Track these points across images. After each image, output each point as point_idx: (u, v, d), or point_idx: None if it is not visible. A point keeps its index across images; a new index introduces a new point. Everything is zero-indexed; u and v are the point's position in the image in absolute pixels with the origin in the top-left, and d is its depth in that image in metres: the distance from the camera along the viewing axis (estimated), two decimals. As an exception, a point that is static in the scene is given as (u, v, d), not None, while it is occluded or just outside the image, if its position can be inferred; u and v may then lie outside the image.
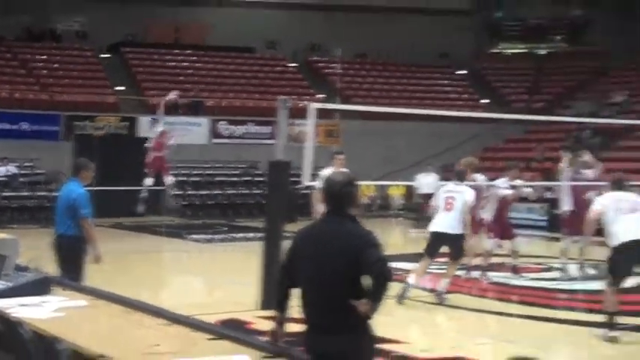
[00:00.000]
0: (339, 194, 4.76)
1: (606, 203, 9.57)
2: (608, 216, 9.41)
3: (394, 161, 25.99)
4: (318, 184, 10.61)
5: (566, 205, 14.42)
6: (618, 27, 35.05)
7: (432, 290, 12.07)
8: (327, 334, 4.58)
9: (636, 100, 30.47)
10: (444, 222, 11.60)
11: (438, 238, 11.71)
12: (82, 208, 9.04)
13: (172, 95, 18.68)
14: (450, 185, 12.20)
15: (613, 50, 35.65)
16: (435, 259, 12.15)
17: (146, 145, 18.30)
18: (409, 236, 19.89)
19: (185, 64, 33.33)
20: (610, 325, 9.13)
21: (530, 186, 21.46)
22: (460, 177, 12.35)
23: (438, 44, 35.78)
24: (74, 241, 9.06)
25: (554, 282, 13.76)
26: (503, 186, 14.19)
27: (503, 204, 14.01)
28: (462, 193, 11.70)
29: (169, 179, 18.70)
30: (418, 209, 20.86)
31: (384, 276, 4.54)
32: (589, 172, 14.78)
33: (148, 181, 18.11)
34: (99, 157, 23.56)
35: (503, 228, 13.91)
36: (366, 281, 4.52)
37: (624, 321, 9.35)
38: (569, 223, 14.10)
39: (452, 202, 11.59)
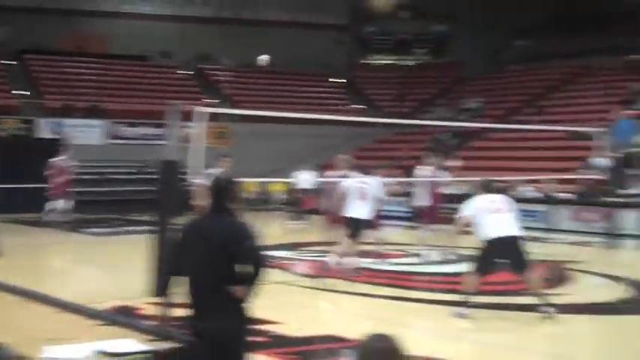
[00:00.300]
0: (221, 192, 4.86)
1: (477, 206, 9.86)
2: (478, 216, 9.75)
3: (278, 160, 26.11)
4: (201, 181, 10.66)
5: (423, 200, 14.87)
6: (474, 41, 36.15)
7: (310, 276, 12.28)
8: (209, 318, 4.63)
9: (488, 106, 31.44)
10: (360, 210, 12.13)
11: (355, 222, 12.15)
12: None
13: None
14: (360, 178, 12.69)
15: (469, 61, 36.75)
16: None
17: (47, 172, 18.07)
18: (287, 228, 19.96)
19: (85, 71, 32.58)
20: (465, 304, 9.48)
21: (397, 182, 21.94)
22: (365, 171, 13.00)
23: (317, 55, 36.13)
24: None
25: (415, 266, 14.12)
26: (371, 183, 14.46)
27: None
28: (372, 185, 12.37)
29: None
30: (296, 203, 21.02)
31: (258, 264, 4.66)
32: (444, 172, 15.28)
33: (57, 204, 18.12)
34: (0, 156, 23.18)
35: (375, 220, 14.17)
36: (243, 269, 4.59)
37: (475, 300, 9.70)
38: (427, 215, 14.57)
39: (365, 192, 12.20)
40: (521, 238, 9.61)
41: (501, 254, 9.62)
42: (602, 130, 17.62)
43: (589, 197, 19.77)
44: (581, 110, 27.05)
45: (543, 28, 36.15)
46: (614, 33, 32.23)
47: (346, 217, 12.39)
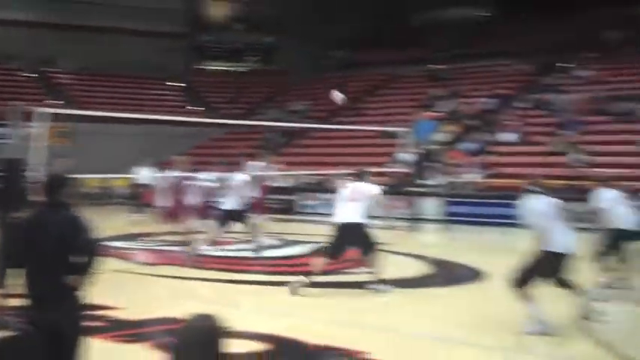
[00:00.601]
0: (56, 187, 4.72)
1: (341, 192, 10.08)
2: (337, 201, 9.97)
3: (121, 157, 25.37)
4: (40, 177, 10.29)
5: (254, 192, 14.98)
6: (299, 51, 36.75)
7: (150, 264, 12.09)
8: (45, 308, 4.49)
9: (313, 109, 32.01)
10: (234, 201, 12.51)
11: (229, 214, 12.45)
12: None
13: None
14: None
15: (294, 69, 37.29)
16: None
17: None
18: (129, 220, 19.47)
19: None
20: (308, 283, 9.62)
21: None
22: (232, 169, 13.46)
23: (156, 61, 35.49)
24: None
25: (247, 252, 14.18)
26: (207, 178, 14.44)
27: (208, 192, 14.22)
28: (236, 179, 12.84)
29: None
30: (137, 197, 20.57)
31: (92, 254, 4.57)
32: (273, 168, 15.49)
33: None
34: None
35: (207, 211, 14.14)
36: (78, 259, 4.47)
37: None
38: (256, 206, 14.69)
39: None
40: (365, 225, 9.85)
41: (348, 239, 9.84)
42: (406, 129, 18.42)
43: (395, 188, 20.59)
44: (390, 112, 28.06)
45: (358, 40, 37.30)
46: (418, 46, 33.77)
47: (215, 209, 12.88)
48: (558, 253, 7.61)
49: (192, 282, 10.97)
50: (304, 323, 8.39)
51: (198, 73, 38.62)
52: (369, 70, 34.45)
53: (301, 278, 9.78)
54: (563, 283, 7.75)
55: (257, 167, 15.47)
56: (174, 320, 8.10)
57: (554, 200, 7.77)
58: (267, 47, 40.06)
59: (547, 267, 7.62)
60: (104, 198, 26.20)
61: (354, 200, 9.90)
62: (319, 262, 9.89)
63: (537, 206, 7.70)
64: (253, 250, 13.38)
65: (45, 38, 33.65)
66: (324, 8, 35.46)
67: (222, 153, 27.96)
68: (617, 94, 23.59)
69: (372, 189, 10.22)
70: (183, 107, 33.92)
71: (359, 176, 10.37)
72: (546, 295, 7.77)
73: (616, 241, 9.84)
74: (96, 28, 35.57)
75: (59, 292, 4.50)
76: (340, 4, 35.55)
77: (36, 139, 10.88)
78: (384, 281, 9.90)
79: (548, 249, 7.58)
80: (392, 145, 23.55)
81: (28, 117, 11.08)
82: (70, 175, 4.89)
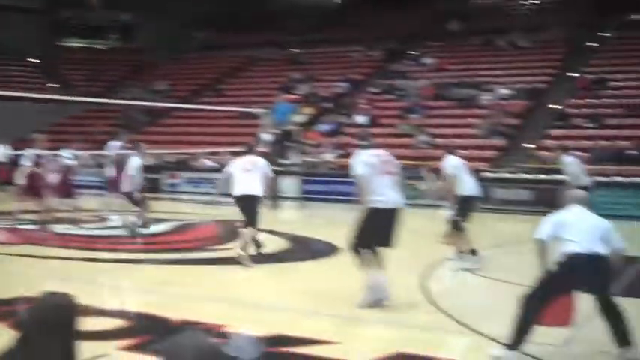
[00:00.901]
0: None
1: (235, 165, 10.16)
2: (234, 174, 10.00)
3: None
4: None
5: (113, 172, 14.53)
6: (160, 29, 35.75)
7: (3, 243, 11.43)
8: None
9: (175, 88, 31.28)
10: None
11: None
12: None
13: None
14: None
15: (156, 48, 36.25)
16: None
17: None
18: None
19: None
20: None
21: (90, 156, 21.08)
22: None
23: (13, 37, 33.29)
24: None
25: (104, 230, 13.75)
26: (66, 155, 13.85)
27: (67, 170, 13.64)
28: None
29: None
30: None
31: None
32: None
33: None
34: None
35: (67, 190, 13.56)
36: None
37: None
38: (115, 184, 14.27)
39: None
40: (258, 197, 10.03)
41: (242, 209, 9.98)
42: (266, 111, 18.42)
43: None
44: (251, 94, 27.97)
45: (218, 22, 36.84)
46: (276, 30, 33.79)
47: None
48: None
49: (51, 261, 10.49)
50: (163, 299, 8.17)
51: (57, 50, 36.71)
52: (230, 52, 34.08)
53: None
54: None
55: (117, 146, 14.96)
56: (31, 300, 7.71)
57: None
58: (127, 25, 38.67)
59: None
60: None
61: (250, 172, 9.87)
62: (248, 233, 9.80)
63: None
64: (109, 228, 12.94)
65: None
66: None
67: (81, 131, 26.95)
68: (457, 81, 24.67)
69: (264, 162, 10.41)
70: (41, 84, 32.16)
71: (250, 151, 10.47)
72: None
73: (464, 208, 10.16)
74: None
75: None
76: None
77: None
78: (250, 257, 9.92)
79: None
80: (253, 126, 23.50)
81: None
82: None
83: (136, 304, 7.70)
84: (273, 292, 8.64)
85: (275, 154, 17.80)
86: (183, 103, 27.73)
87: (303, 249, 12.19)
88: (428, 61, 27.50)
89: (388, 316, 7.35)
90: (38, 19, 35.68)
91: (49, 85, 32.26)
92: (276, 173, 17.82)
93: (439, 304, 7.80)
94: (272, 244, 12.06)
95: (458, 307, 7.61)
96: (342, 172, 19.90)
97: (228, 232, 13.17)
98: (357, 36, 31.12)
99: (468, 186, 10.19)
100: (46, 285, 8.33)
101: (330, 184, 19.34)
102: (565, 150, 13.71)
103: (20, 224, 13.49)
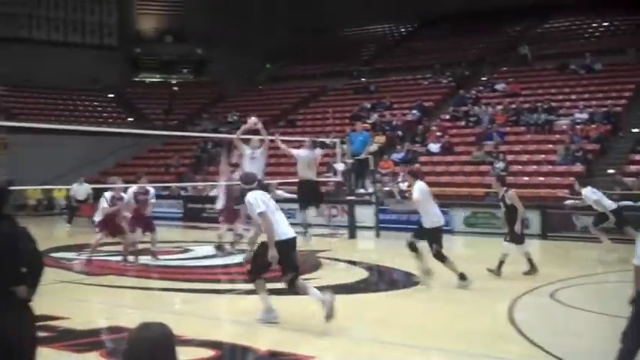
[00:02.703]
0: None
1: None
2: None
3: (58, 168, 24.74)
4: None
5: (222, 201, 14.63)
6: (231, 63, 36.53)
7: (91, 274, 11.76)
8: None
9: (246, 119, 31.68)
10: None
11: None
12: None
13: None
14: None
15: (227, 81, 37.04)
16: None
17: None
18: (68, 231, 18.86)
19: None
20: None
21: (170, 186, 21.55)
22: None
23: (90, 72, 34.71)
24: None
25: (186, 261, 13.95)
26: (149, 189, 14.02)
27: (144, 203, 13.81)
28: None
29: None
30: (74, 210, 20.17)
31: (37, 265, 4.41)
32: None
33: None
34: None
35: (145, 222, 13.75)
36: (23, 270, 4.30)
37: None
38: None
39: None
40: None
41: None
42: (338, 139, 18.49)
43: (332, 196, 20.67)
44: (321, 124, 28.22)
45: (287, 54, 37.46)
46: (343, 59, 34.09)
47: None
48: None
49: (134, 291, 10.71)
50: (248, 330, 8.22)
51: (133, 85, 37.94)
52: (300, 82, 34.49)
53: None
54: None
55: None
56: (119, 329, 7.88)
57: None
58: (199, 59, 39.69)
59: None
60: (44, 209, 25.48)
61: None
62: None
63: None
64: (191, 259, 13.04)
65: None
66: (254, 21, 35.41)
67: (159, 164, 27.66)
68: (532, 106, 24.25)
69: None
70: (119, 118, 33.23)
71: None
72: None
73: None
74: (32, 40, 34.76)
75: (8, 303, 4.30)
76: (269, 18, 35.60)
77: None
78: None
79: None
80: (325, 155, 23.59)
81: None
82: (9, 187, 4.68)
83: (222, 334, 7.77)
84: (355, 323, 8.57)
85: (349, 183, 17.80)
86: (255, 134, 28.07)
87: (383, 279, 12.10)
88: (500, 86, 27.17)
89: (473, 347, 7.21)
90: (116, 56, 37.02)
91: (127, 119, 33.30)
92: (352, 203, 17.86)
93: (528, 335, 7.60)
94: (351, 274, 12.01)
95: (546, 338, 7.41)
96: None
97: (310, 263, 13.20)
98: (427, 62, 31.07)
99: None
100: (130, 315, 8.55)
101: (404, 214, 19.20)
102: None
103: (103, 256, 13.81)
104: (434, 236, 10.36)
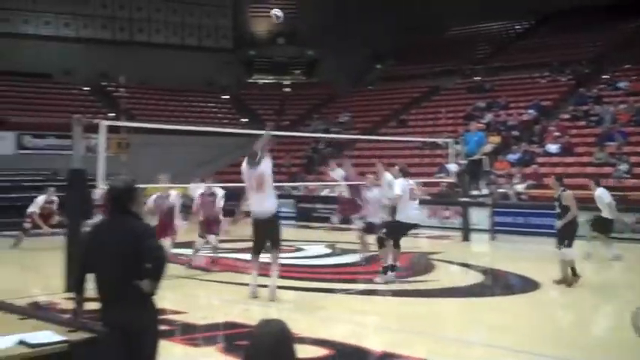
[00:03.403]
0: (121, 196, 4.68)
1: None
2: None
3: (173, 168, 25.60)
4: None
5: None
6: (341, 64, 36.75)
7: (207, 270, 12.08)
8: (118, 309, 4.46)
9: (357, 120, 31.91)
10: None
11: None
12: None
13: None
14: None
15: (338, 81, 37.28)
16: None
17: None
18: (183, 228, 19.45)
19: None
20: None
21: (282, 186, 21.83)
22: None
23: (206, 74, 35.94)
24: None
25: (301, 259, 14.11)
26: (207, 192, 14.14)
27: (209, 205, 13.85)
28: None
29: None
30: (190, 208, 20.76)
31: (160, 261, 4.53)
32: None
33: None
34: None
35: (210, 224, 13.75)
36: (147, 265, 4.44)
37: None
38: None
39: None
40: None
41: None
42: (451, 140, 18.21)
43: (445, 197, 20.37)
44: (433, 124, 27.90)
45: (397, 54, 37.24)
46: (456, 57, 33.53)
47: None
48: None
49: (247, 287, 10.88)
50: (360, 330, 8.25)
51: (246, 86, 38.88)
52: (411, 82, 34.22)
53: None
54: None
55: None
56: (235, 325, 8.06)
57: None
58: (310, 60, 40.16)
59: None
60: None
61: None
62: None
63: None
64: (306, 258, 13.19)
65: (100, 54, 34.19)
66: (364, 22, 35.42)
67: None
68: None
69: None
70: (233, 119, 34.10)
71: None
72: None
73: None
74: (151, 44, 36.43)
75: (131, 296, 4.48)
76: (379, 18, 35.49)
77: (97, 150, 10.95)
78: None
79: None
80: (437, 156, 23.32)
81: (88, 129, 11.13)
82: (135, 185, 4.86)
83: (334, 333, 7.79)
84: (470, 328, 8.40)
85: (463, 184, 17.48)
86: (365, 134, 28.16)
87: (499, 283, 11.79)
88: (623, 84, 25.92)
89: (596, 357, 6.90)
90: (230, 58, 38.08)
91: (241, 120, 34.13)
92: (466, 204, 17.53)
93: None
94: (465, 278, 11.79)
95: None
96: (533, 204, 19.21)
97: (422, 264, 13.07)
98: (544, 60, 30.07)
99: None
100: (246, 312, 8.72)
101: (520, 216, 18.69)
102: None
103: (219, 252, 14.15)
104: (396, 228, 11.04)
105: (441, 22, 36.84)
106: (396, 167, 11.88)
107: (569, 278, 10.55)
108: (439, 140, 21.49)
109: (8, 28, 33.87)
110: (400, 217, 10.99)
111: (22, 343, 3.83)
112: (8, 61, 32.31)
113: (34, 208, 15.76)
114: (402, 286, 10.81)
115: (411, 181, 11.43)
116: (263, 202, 9.61)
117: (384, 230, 11.23)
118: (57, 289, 9.54)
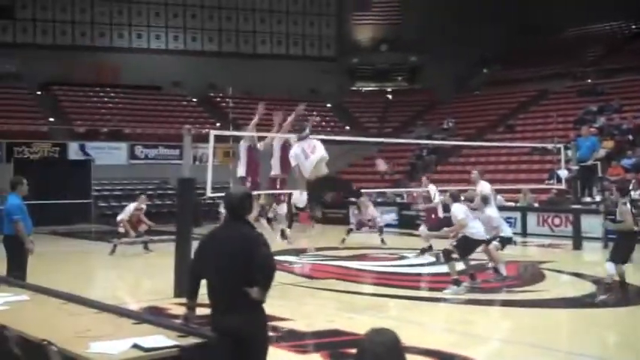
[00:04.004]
0: (236, 204, 4.77)
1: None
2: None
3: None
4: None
5: None
6: (444, 69, 36.28)
7: (313, 277, 12.20)
8: (228, 316, 4.54)
9: (460, 126, 31.43)
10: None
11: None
12: (13, 214, 9.07)
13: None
14: None
15: (442, 87, 36.85)
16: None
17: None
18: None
19: (105, 99, 32.54)
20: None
21: (384, 193, 21.83)
22: None
23: (310, 83, 36.39)
24: (11, 239, 9.13)
25: (403, 267, 14.01)
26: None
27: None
28: None
29: None
30: (295, 218, 21.08)
31: (270, 268, 4.61)
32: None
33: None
34: (35, 176, 23.02)
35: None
36: (258, 273, 4.51)
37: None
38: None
39: None
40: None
41: None
42: (562, 145, 17.62)
43: (555, 205, 19.73)
44: (543, 129, 27.11)
45: (503, 58, 36.39)
46: (565, 60, 32.44)
47: None
48: None
49: (352, 296, 10.92)
50: (463, 339, 8.10)
51: (349, 94, 39.05)
52: (517, 86, 33.38)
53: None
54: None
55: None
56: (339, 333, 8.08)
57: None
58: (413, 66, 39.90)
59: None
60: (266, 214, 26.89)
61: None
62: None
63: None
64: (408, 266, 13.01)
65: (207, 66, 35.22)
66: (468, 26, 34.81)
67: (374, 171, 28.09)
68: None
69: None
70: (337, 127, 34.30)
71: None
72: None
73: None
74: (256, 54, 37.23)
75: (241, 302, 4.55)
76: (484, 22, 34.79)
77: (204, 159, 11.26)
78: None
79: None
80: (547, 162, 22.65)
81: (197, 138, 11.44)
82: (249, 193, 4.95)
83: (438, 343, 7.68)
84: (582, 341, 8.08)
85: (574, 191, 16.87)
86: (470, 140, 27.69)
87: (612, 294, 11.27)
88: None
89: None
90: (333, 67, 38.39)
91: (344, 127, 34.29)
92: (577, 212, 16.91)
93: None
94: (577, 288, 11.36)
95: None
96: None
97: (531, 274, 12.71)
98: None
99: None
100: (352, 320, 8.73)
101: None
102: None
103: (323, 260, 14.28)
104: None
105: (550, 24, 35.74)
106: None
107: None
108: (549, 146, 20.88)
109: (122, 43, 35.49)
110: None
111: (136, 346, 3.97)
112: (122, 75, 33.89)
113: (123, 216, 16.29)
114: (509, 296, 10.54)
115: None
116: None
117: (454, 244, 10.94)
118: (168, 293, 9.85)
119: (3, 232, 9.31)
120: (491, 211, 11.54)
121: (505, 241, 11.63)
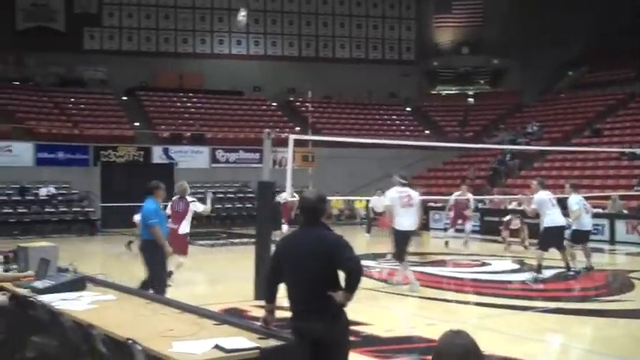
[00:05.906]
0: (313, 208, 4.75)
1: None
2: None
3: (357, 180, 26.09)
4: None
5: None
6: (528, 72, 35.53)
7: (392, 282, 12.12)
8: (310, 319, 4.51)
9: (546, 130, 30.69)
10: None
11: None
12: (149, 219, 9.04)
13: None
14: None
15: (525, 90, 36.08)
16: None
17: None
18: (367, 240, 19.74)
19: (188, 104, 33.33)
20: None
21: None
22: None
23: (389, 87, 36.33)
24: (148, 244, 9.11)
25: (485, 274, 13.76)
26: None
27: None
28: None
29: None
30: (372, 221, 21.09)
31: (357, 271, 4.52)
32: None
33: None
34: (121, 179, 23.81)
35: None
36: (346, 277, 4.46)
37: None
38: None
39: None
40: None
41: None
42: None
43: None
44: (631, 132, 26.20)
45: (589, 60, 35.30)
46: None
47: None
48: None
49: (432, 302, 10.81)
50: (547, 348, 7.92)
51: (429, 98, 38.72)
52: (604, 88, 32.33)
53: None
54: None
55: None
56: (420, 339, 7.99)
57: None
58: (495, 69, 39.22)
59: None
60: (345, 218, 27.00)
61: None
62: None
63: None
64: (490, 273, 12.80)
65: (287, 70, 35.62)
66: (552, 27, 33.94)
67: (454, 176, 27.78)
68: None
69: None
70: (416, 131, 34.06)
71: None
72: None
73: None
74: (335, 59, 37.43)
75: (323, 306, 4.51)
76: (569, 22, 33.83)
77: (283, 163, 11.36)
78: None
79: None
80: (636, 167, 21.88)
81: (277, 142, 11.54)
82: (326, 197, 4.92)
83: (519, 352, 7.49)
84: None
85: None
86: (556, 145, 26.99)
87: None
88: None
89: None
90: (413, 70, 38.19)
91: (425, 132, 34.01)
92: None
93: None
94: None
95: None
96: None
97: (620, 283, 12.26)
98: None
99: None
100: (431, 326, 8.62)
101: None
102: None
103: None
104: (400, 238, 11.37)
105: (639, 24, 34.50)
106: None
107: None
108: (638, 150, 20.14)
109: (205, 49, 36.30)
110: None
111: (217, 347, 4.02)
112: (204, 80, 34.68)
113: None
114: (597, 306, 10.19)
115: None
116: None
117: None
118: (248, 296, 9.97)
119: (143, 238, 9.30)
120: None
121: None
